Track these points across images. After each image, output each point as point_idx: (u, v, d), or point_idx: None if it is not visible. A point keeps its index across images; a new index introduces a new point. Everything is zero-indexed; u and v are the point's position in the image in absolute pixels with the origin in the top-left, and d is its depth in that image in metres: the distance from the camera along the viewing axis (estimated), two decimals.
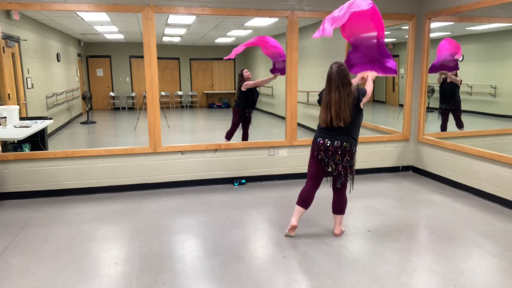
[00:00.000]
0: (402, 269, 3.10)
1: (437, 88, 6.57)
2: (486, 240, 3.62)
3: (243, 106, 6.49)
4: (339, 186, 3.58)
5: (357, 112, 3.46)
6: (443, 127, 6.47)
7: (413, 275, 3.04)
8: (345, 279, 2.96)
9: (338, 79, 3.36)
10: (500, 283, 2.90)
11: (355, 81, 3.76)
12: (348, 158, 3.48)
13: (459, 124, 6.36)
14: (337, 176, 3.55)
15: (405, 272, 3.07)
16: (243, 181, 5.38)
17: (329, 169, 3.57)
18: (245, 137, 6.61)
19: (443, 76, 6.39)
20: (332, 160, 3.49)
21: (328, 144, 3.45)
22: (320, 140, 3.49)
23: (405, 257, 3.31)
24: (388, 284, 2.88)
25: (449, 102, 6.44)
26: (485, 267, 3.14)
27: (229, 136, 6.55)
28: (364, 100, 3.50)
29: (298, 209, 3.63)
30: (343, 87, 3.36)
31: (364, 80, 3.86)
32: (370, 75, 3.79)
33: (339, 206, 3.66)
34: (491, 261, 3.23)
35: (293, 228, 3.65)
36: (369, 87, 3.67)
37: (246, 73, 6.48)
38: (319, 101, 3.59)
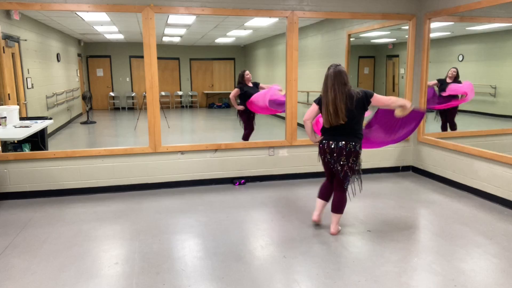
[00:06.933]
0: (402, 269, 3.10)
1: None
2: (486, 240, 3.62)
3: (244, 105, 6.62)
4: (346, 187, 3.63)
5: (361, 111, 3.49)
6: (444, 127, 6.47)
7: (413, 275, 3.04)
8: (345, 279, 2.96)
9: (333, 79, 3.41)
10: (500, 283, 2.90)
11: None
12: (354, 158, 3.52)
13: (454, 127, 6.39)
14: (343, 177, 3.58)
15: (405, 272, 3.07)
16: (243, 181, 5.38)
17: (334, 170, 3.59)
18: (245, 136, 6.62)
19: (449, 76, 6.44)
20: (338, 162, 3.53)
21: (333, 146, 3.50)
22: (325, 142, 3.55)
23: (405, 257, 3.31)
24: (388, 284, 2.88)
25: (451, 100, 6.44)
26: (485, 267, 3.14)
27: (245, 137, 6.62)
28: (377, 103, 3.53)
29: (319, 202, 3.75)
30: (338, 86, 3.40)
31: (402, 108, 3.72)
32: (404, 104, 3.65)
33: (339, 205, 3.68)
34: (491, 261, 3.23)
35: (315, 222, 3.79)
36: (393, 99, 3.63)
37: (247, 75, 6.64)
38: (319, 102, 3.57)
